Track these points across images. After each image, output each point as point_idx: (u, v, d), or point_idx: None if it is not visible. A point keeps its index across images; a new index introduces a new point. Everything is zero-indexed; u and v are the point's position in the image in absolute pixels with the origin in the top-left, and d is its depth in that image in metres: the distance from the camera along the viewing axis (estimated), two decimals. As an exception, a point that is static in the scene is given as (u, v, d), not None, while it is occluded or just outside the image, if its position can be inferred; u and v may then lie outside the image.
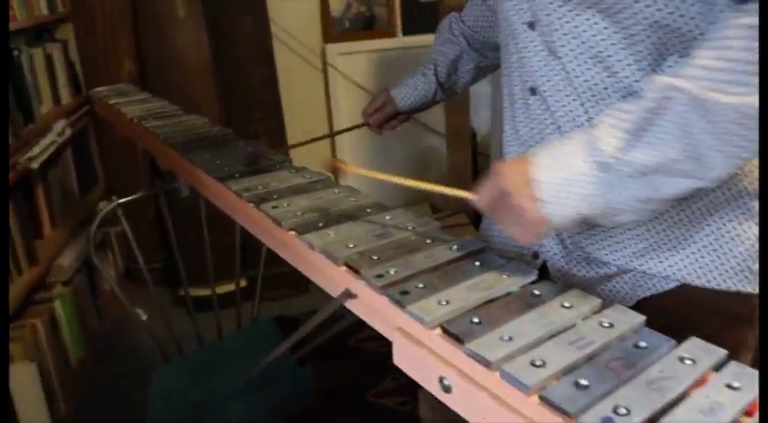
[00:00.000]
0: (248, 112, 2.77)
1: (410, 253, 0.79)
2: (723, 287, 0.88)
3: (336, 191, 1.00)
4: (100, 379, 2.32)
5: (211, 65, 2.65)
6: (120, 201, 1.46)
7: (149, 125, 1.50)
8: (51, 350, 2.06)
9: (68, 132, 2.51)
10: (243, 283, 2.37)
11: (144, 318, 2.58)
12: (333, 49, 2.99)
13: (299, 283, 2.68)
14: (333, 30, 3.00)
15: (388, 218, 0.89)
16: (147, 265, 1.60)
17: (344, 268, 0.78)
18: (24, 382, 1.89)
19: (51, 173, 2.42)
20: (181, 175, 1.35)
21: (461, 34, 1.34)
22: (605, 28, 0.81)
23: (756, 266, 0.87)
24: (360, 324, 0.79)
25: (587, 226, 0.76)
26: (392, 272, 0.73)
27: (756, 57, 0.62)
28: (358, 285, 0.75)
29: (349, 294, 0.78)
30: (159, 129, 1.46)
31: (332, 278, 0.80)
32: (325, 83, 3.05)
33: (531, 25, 0.88)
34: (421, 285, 0.71)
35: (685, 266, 0.88)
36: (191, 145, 1.32)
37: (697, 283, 0.89)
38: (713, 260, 0.88)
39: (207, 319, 1.72)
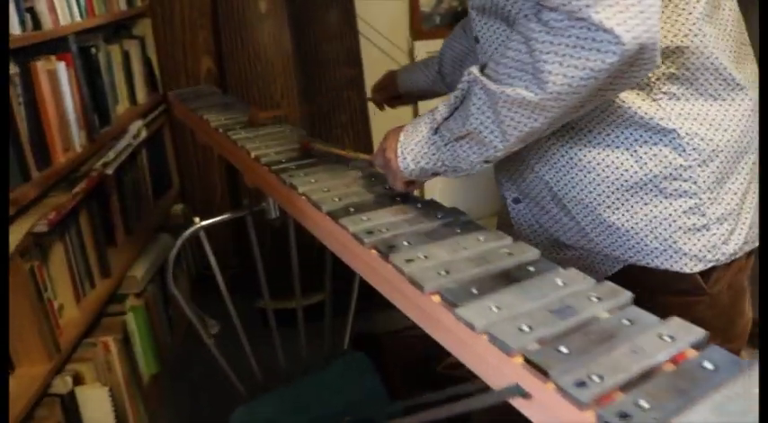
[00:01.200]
0: (332, 114, 2.58)
1: (608, 342, 0.58)
2: (653, 265, 0.92)
3: (482, 238, 0.80)
4: (173, 398, 2.19)
5: (293, 62, 2.48)
6: (203, 223, 1.30)
7: (236, 137, 1.33)
8: (123, 369, 1.93)
9: (144, 134, 2.38)
10: (319, 297, 2.22)
11: (216, 330, 2.45)
12: (421, 46, 2.77)
13: (383, 299, 2.49)
14: (422, 26, 2.79)
15: (560, 283, 0.69)
16: (221, 272, 1.45)
17: (521, 361, 0.58)
18: (95, 405, 1.76)
19: (126, 177, 2.29)
20: (276, 200, 1.18)
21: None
22: (512, 32, 0.90)
23: (680, 245, 0.90)
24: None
25: (436, 175, 0.91)
26: (595, 378, 0.53)
27: (524, 57, 0.76)
28: (542, 389, 0.55)
29: (522, 393, 0.58)
30: (248, 142, 1.29)
31: (499, 369, 0.60)
32: (411, 82, 2.84)
33: (477, 39, 0.99)
34: (645, 405, 0.50)
35: (621, 246, 0.93)
36: (286, 164, 1.15)
37: (633, 261, 0.94)
38: (638, 241, 0.92)
39: (282, 332, 1.63)
